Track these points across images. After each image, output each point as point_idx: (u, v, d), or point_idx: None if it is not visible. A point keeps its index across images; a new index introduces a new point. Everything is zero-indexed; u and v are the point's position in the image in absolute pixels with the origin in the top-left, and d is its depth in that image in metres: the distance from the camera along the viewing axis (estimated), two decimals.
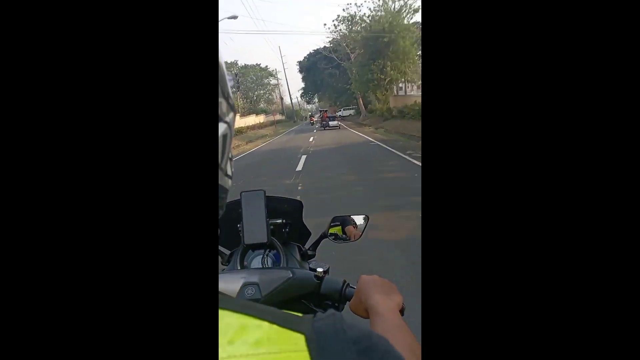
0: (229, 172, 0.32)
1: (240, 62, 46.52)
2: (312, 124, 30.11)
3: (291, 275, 0.67)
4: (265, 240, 0.78)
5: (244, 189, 0.83)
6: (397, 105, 22.53)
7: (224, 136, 0.29)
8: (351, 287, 0.67)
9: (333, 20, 28.29)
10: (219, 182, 0.30)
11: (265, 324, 0.25)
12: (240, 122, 25.79)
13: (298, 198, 1.16)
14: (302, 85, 44.38)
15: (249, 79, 43.55)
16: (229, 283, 0.65)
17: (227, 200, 0.34)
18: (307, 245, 0.92)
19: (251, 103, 43.02)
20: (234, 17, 17.30)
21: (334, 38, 30.59)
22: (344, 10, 26.08)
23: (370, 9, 23.89)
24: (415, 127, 12.47)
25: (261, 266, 0.82)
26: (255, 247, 0.83)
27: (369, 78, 22.93)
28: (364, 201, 4.49)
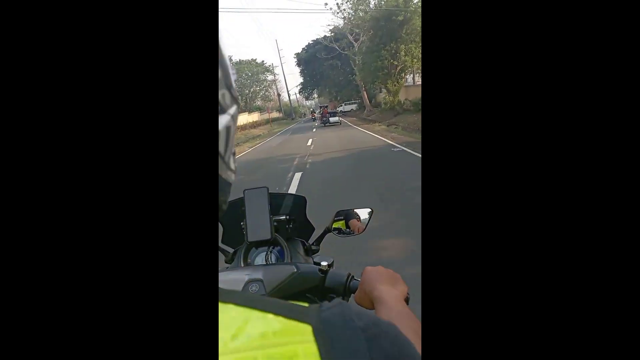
0: (232, 167, 0.32)
1: (235, 58, 43.29)
2: (314, 119, 29.17)
3: (295, 270, 0.67)
4: (269, 237, 0.77)
5: None
6: (408, 98, 19.22)
7: (227, 128, 0.28)
8: (356, 279, 0.68)
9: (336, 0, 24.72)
10: (223, 176, 0.29)
11: (270, 315, 0.24)
12: None
13: None
14: (301, 80, 41.08)
15: (243, 75, 40.40)
16: (233, 280, 0.65)
17: (230, 199, 0.34)
18: (310, 240, 0.91)
19: (246, 101, 39.87)
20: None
21: (335, 25, 27.32)
22: None
23: None
24: None
25: (265, 263, 0.82)
26: (258, 244, 0.83)
27: (377, 66, 19.35)
28: None
